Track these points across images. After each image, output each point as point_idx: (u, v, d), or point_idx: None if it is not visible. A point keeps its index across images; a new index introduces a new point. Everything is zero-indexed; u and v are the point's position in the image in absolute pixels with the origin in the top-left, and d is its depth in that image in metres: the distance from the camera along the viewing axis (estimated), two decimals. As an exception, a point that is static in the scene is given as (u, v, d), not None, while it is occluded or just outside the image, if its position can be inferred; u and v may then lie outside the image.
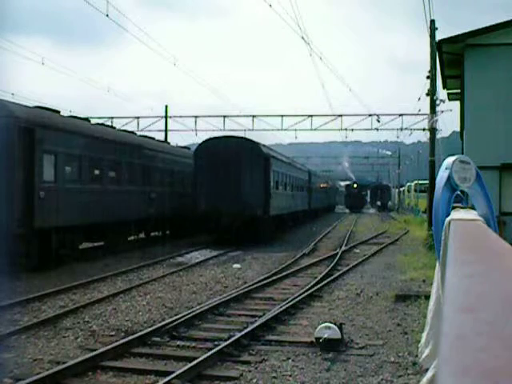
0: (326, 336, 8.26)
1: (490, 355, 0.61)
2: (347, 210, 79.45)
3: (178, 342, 8.73)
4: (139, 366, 7.71)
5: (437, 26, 23.52)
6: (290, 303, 11.20)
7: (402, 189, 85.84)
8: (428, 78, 24.97)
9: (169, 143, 31.35)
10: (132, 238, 23.06)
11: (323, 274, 15.28)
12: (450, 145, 44.65)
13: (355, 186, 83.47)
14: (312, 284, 13.59)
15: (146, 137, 25.91)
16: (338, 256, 19.23)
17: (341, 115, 32.25)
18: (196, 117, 33.28)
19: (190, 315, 10.01)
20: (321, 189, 54.34)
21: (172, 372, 7.07)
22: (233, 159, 23.88)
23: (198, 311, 10.41)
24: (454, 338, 0.67)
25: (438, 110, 25.98)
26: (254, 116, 32.93)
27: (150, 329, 9.15)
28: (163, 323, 9.45)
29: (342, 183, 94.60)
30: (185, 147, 31.78)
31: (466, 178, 3.52)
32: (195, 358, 7.58)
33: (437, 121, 25.95)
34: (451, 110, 28.85)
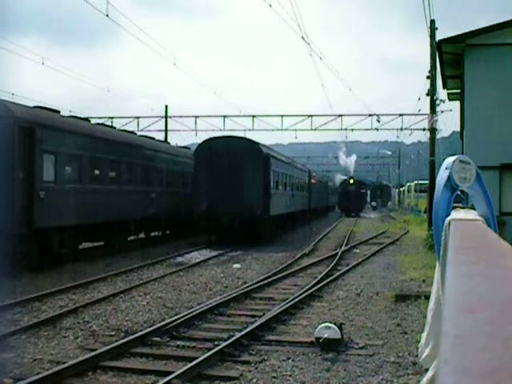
0: (325, 336, 8.26)
1: (490, 355, 0.61)
2: (343, 213, 62.10)
3: (178, 342, 8.72)
4: (139, 365, 7.70)
5: (436, 26, 23.55)
6: (290, 303, 11.20)
7: (402, 189, 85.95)
8: (428, 77, 24.98)
9: (169, 143, 31.35)
10: (132, 237, 23.06)
11: (323, 273, 15.27)
12: (450, 145, 44.70)
13: (352, 181, 64.62)
14: (312, 284, 13.59)
15: (146, 137, 25.92)
16: (338, 256, 19.22)
17: (341, 115, 32.23)
18: (196, 117, 33.27)
19: (189, 315, 10.01)
20: (321, 189, 54.14)
21: (172, 372, 7.07)
22: (233, 159, 23.88)
23: (198, 311, 10.41)
24: (453, 338, 0.67)
25: (438, 110, 26.02)
26: (253, 116, 32.92)
27: (149, 329, 9.14)
28: (163, 323, 9.45)
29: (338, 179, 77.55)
30: (185, 147, 31.78)
31: (466, 178, 3.52)
32: (195, 358, 7.58)
33: (437, 121, 25.97)
34: (451, 110, 28.91)
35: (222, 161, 23.83)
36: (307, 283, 13.89)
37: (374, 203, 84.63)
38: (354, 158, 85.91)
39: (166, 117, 36.38)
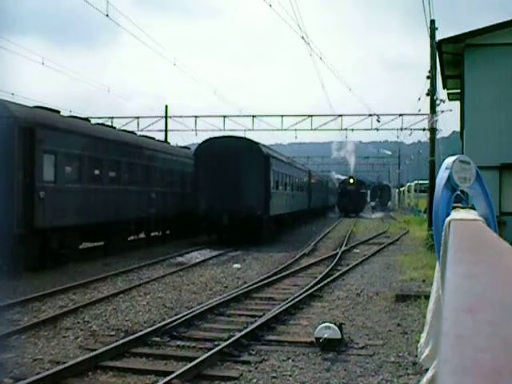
0: (326, 336, 8.26)
1: (490, 355, 0.61)
2: (342, 214, 60.41)
3: (178, 342, 8.72)
4: (139, 365, 7.70)
5: (436, 26, 23.55)
6: (290, 303, 11.20)
7: (402, 189, 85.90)
8: (428, 77, 24.97)
9: (169, 143, 31.34)
10: (132, 237, 23.05)
11: (323, 273, 15.27)
12: (450, 145, 44.69)
13: (352, 181, 63.41)
14: (312, 284, 13.59)
15: (146, 137, 25.91)
16: (338, 256, 19.22)
17: (341, 115, 32.24)
18: (196, 117, 33.28)
19: (190, 315, 10.01)
20: (321, 189, 54.11)
21: (172, 372, 7.07)
22: (233, 159, 23.88)
23: (197, 311, 10.41)
24: (453, 338, 0.67)
25: (438, 109, 26.00)
26: (253, 116, 32.94)
27: (149, 329, 9.14)
28: (163, 323, 9.45)
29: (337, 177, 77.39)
30: (185, 147, 31.78)
31: (466, 177, 3.52)
32: (195, 358, 7.58)
33: (437, 121, 25.96)
34: (451, 110, 28.89)
35: (221, 161, 23.83)
36: (307, 283, 13.89)
37: (373, 203, 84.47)
38: (350, 145, 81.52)
39: (165, 117, 36.37)
